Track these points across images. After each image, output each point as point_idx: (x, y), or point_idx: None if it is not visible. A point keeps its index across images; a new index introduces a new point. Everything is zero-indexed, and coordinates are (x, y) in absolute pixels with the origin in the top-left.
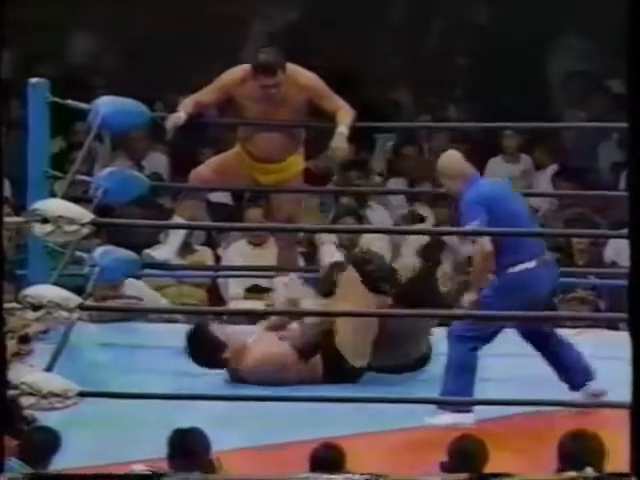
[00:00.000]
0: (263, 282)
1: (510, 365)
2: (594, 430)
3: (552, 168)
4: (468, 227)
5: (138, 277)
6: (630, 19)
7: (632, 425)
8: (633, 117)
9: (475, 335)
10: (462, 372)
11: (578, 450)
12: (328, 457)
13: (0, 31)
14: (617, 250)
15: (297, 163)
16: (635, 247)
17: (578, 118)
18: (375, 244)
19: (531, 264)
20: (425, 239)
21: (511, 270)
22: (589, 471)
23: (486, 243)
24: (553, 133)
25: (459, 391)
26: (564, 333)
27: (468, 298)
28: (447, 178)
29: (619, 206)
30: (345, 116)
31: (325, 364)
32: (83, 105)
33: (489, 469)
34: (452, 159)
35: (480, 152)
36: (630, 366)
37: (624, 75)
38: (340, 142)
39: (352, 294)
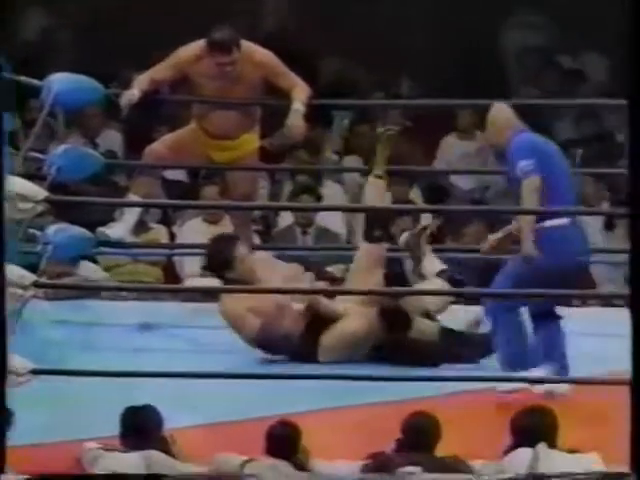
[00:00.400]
0: None
1: None
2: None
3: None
4: (519, 166)
5: (94, 255)
6: (630, 19)
7: (632, 425)
8: (633, 117)
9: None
10: (511, 342)
11: (532, 426)
12: (284, 434)
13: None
14: None
15: (252, 141)
16: (635, 229)
17: (531, 95)
18: (331, 222)
19: (565, 220)
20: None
21: (549, 223)
22: (542, 447)
23: (536, 179)
24: None
25: (515, 359)
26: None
27: (489, 239)
28: (496, 128)
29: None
30: (300, 93)
31: None
32: (36, 82)
33: (442, 446)
34: (502, 110)
35: (435, 130)
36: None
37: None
38: (296, 119)
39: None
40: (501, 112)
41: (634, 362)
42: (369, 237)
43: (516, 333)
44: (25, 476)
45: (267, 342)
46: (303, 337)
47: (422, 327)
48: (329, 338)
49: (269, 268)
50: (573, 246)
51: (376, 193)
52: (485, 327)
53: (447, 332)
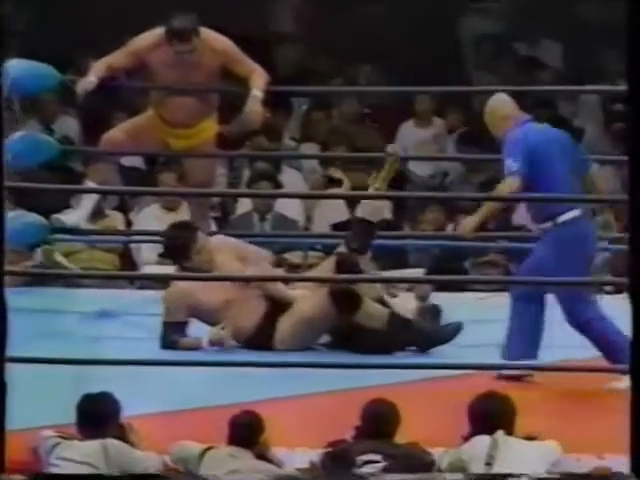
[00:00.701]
0: None
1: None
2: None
3: (457, 132)
4: (505, 164)
5: (50, 242)
6: (630, 19)
7: (632, 425)
8: (633, 111)
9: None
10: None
11: (489, 412)
12: (247, 423)
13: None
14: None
15: (210, 128)
16: (635, 214)
17: (487, 81)
18: (289, 209)
19: (577, 212)
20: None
21: (561, 219)
22: (500, 434)
23: (516, 180)
24: (465, 97)
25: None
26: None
27: (467, 223)
28: (494, 120)
29: None
30: (258, 80)
31: None
32: None
33: (401, 433)
34: (502, 101)
35: (394, 116)
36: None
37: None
38: (254, 105)
39: None
40: (500, 104)
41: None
42: (348, 245)
43: (532, 323)
44: (25, 476)
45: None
46: (260, 325)
47: (371, 311)
48: (284, 324)
49: (227, 256)
50: (590, 237)
51: (374, 209)
52: (443, 318)
53: (396, 319)
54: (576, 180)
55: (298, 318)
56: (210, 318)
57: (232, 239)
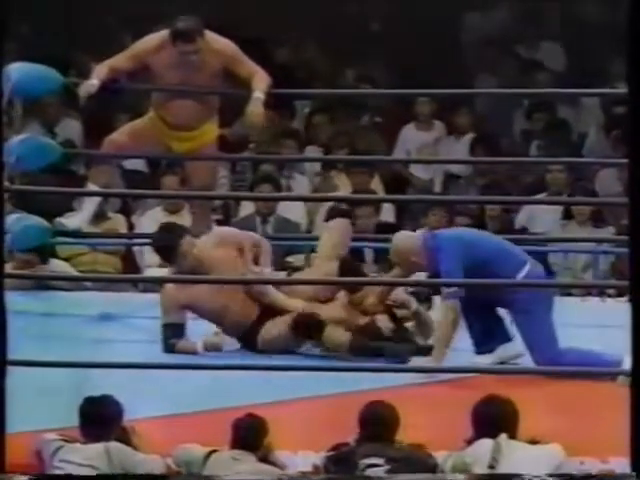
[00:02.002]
0: None
1: None
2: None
3: (469, 135)
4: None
5: (52, 244)
6: (630, 19)
7: (632, 425)
8: (633, 112)
9: None
10: None
11: (492, 416)
12: (251, 426)
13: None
14: (528, 216)
15: (211, 130)
16: (635, 217)
17: (489, 84)
18: (292, 211)
19: (527, 267)
20: None
21: (519, 276)
22: (503, 437)
23: (453, 309)
24: (468, 100)
25: None
26: None
27: (434, 356)
28: (407, 257)
29: (530, 173)
30: (261, 82)
31: None
32: None
33: (404, 436)
34: (403, 239)
35: (395, 119)
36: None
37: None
38: (256, 107)
39: None
40: (402, 240)
41: (634, 355)
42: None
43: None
44: (25, 476)
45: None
46: (253, 324)
47: (333, 336)
48: (264, 331)
49: (227, 250)
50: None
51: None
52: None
53: (358, 344)
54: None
55: (270, 335)
56: (207, 315)
57: (234, 230)
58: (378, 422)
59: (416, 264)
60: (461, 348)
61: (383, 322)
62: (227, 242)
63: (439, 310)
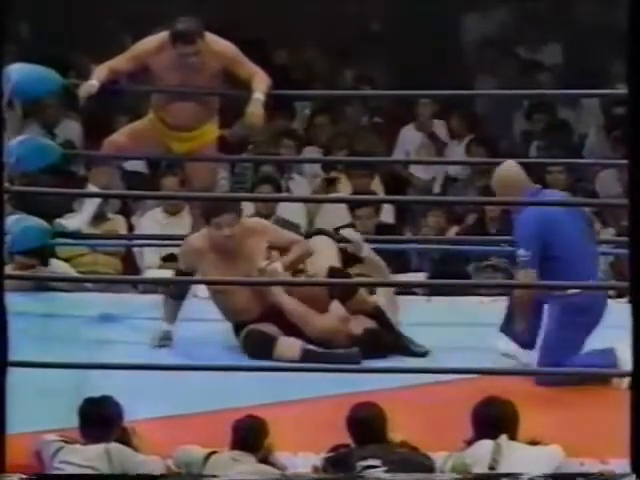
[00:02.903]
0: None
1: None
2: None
3: (469, 137)
4: (518, 253)
5: (52, 245)
6: (630, 19)
7: (632, 425)
8: (633, 123)
9: None
10: None
11: (492, 417)
12: (251, 428)
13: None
14: None
15: (211, 131)
16: (635, 218)
17: (489, 85)
18: (291, 212)
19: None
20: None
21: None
22: (503, 438)
23: (530, 272)
24: (467, 101)
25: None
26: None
27: (518, 327)
28: (504, 188)
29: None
30: (261, 83)
31: None
32: None
33: (403, 437)
34: (511, 170)
35: (395, 120)
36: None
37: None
38: (256, 108)
39: None
40: (508, 173)
41: (634, 355)
42: None
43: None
44: (25, 476)
45: None
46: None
47: (284, 347)
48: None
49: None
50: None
51: None
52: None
53: (309, 353)
54: (587, 237)
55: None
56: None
57: (269, 224)
58: (361, 425)
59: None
60: (461, 348)
61: (362, 323)
62: (263, 234)
63: (519, 276)
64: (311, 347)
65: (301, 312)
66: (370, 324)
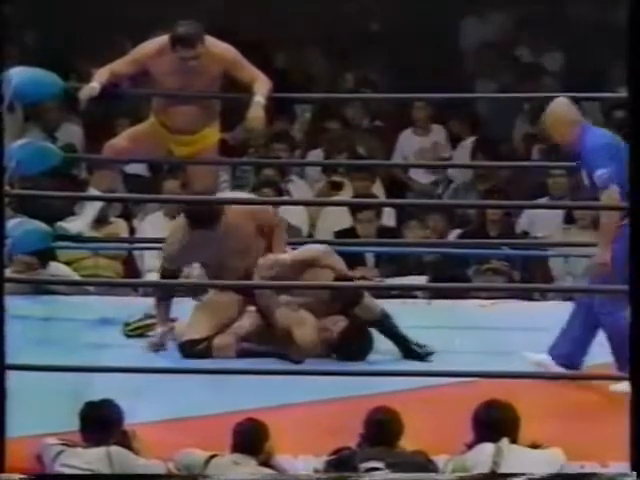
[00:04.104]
0: None
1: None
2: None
3: (470, 140)
4: (596, 175)
5: (54, 249)
6: (630, 22)
7: (632, 425)
8: (633, 115)
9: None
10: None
11: (493, 420)
12: (252, 431)
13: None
14: (530, 221)
15: (212, 135)
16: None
17: (490, 88)
18: (293, 216)
19: None
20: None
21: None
22: (504, 441)
23: (615, 189)
24: (467, 104)
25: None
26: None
27: (599, 257)
28: (559, 125)
29: (532, 177)
30: (261, 86)
31: None
32: None
33: (405, 440)
34: (564, 105)
35: (396, 123)
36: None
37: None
38: (257, 111)
39: None
40: (563, 107)
41: (633, 358)
42: None
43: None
44: (25, 476)
45: None
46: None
47: (220, 345)
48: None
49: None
50: None
51: None
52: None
53: (244, 351)
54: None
55: None
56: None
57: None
58: (380, 428)
59: (565, 137)
60: (462, 350)
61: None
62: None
63: (602, 197)
64: (246, 345)
65: (284, 323)
66: (342, 322)
